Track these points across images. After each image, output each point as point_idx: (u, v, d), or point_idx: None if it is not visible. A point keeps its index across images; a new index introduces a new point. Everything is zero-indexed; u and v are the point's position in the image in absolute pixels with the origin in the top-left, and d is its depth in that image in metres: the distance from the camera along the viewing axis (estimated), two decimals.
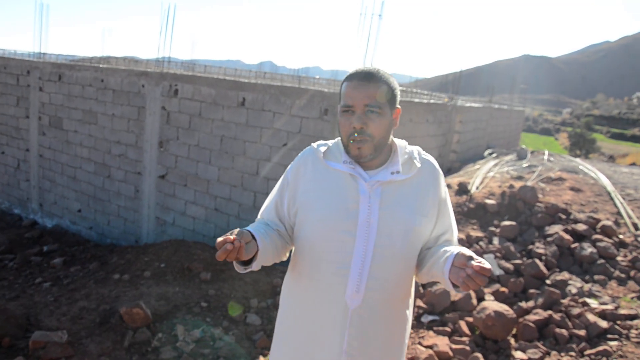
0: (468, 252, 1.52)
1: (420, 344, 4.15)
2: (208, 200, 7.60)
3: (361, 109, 1.61)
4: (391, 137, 1.74)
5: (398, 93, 1.70)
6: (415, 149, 1.79)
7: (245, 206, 7.19)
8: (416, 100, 8.94)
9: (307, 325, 1.74)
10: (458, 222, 6.42)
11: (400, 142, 1.78)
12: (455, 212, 6.55)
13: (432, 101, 9.80)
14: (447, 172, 10.00)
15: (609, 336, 4.01)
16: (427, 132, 9.09)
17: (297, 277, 1.79)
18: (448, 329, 4.36)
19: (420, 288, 4.83)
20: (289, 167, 1.82)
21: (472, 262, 1.43)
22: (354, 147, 1.64)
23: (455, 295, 4.77)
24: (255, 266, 1.62)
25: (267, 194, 6.88)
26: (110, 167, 8.83)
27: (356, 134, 1.62)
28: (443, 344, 4.08)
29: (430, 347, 4.08)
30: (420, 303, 4.73)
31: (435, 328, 4.41)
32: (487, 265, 1.40)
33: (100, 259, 7.39)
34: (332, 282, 1.67)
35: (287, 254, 1.85)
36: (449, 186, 7.57)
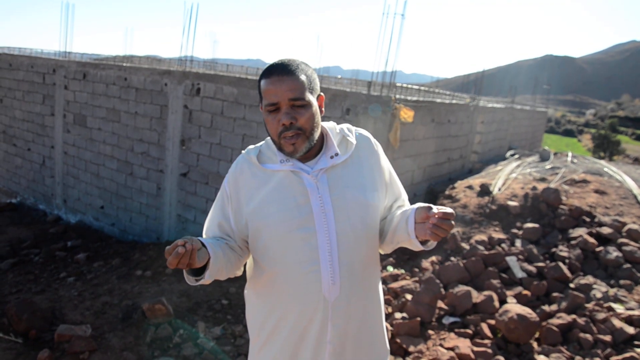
0: (424, 204, 1.52)
1: (441, 345, 4.12)
2: None
3: (286, 104, 1.56)
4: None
5: (316, 78, 1.66)
6: (345, 126, 1.75)
7: None
8: (438, 100, 8.87)
9: (287, 330, 1.69)
10: (480, 223, 6.36)
11: (329, 124, 1.74)
12: (477, 214, 6.51)
13: (453, 101, 9.72)
14: (469, 172, 9.91)
15: (636, 342, 3.93)
16: (448, 133, 9.02)
17: (266, 289, 1.74)
18: (470, 331, 4.32)
19: (442, 290, 4.79)
20: (224, 180, 1.76)
21: (433, 210, 1.44)
22: (288, 143, 1.59)
23: (477, 297, 4.73)
24: (207, 275, 1.55)
25: None
26: (132, 164, 8.94)
27: (286, 130, 1.57)
28: (465, 346, 4.04)
29: (451, 349, 4.04)
30: (441, 304, 4.70)
31: (456, 330, 4.37)
32: (448, 210, 1.41)
33: (122, 255, 7.49)
34: (306, 282, 1.63)
35: (242, 268, 1.80)
36: (470, 187, 7.50)
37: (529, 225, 6.02)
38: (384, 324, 1.87)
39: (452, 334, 4.32)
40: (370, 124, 6.41)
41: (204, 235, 1.80)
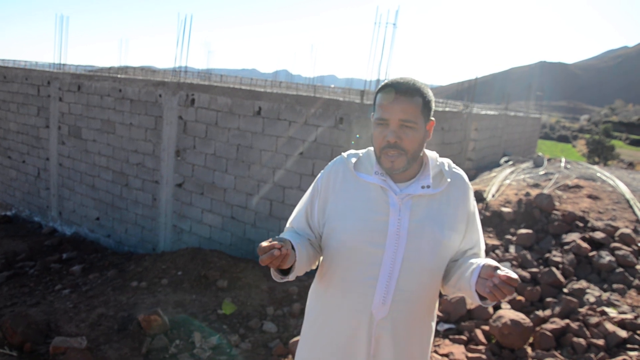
0: (494, 263, 1.52)
1: (436, 352, 4.14)
2: (224, 209, 7.67)
3: (396, 123, 1.60)
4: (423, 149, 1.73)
5: (433, 105, 1.69)
6: (446, 162, 1.78)
7: (261, 214, 7.24)
8: None
9: (333, 334, 1.75)
10: None
11: (431, 154, 1.76)
12: None
13: (447, 109, 9.78)
14: None
15: (629, 346, 3.96)
16: (442, 140, 9.08)
17: (324, 286, 1.79)
18: (464, 338, 4.34)
19: None
20: (319, 175, 1.82)
21: (499, 272, 1.44)
22: (387, 160, 1.63)
23: (472, 304, 4.75)
24: (292, 277, 1.64)
25: (282, 202, 6.92)
26: (128, 175, 8.95)
27: (389, 148, 1.62)
28: (459, 352, 4.07)
29: (446, 355, 4.06)
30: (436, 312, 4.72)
31: (451, 336, 4.39)
32: (513, 275, 1.41)
33: (118, 267, 7.48)
34: (359, 292, 1.67)
35: (317, 263, 1.85)
36: None
37: (523, 231, 6.06)
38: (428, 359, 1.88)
39: (447, 341, 4.33)
40: (364, 133, 6.45)
41: (288, 224, 1.88)
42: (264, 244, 1.44)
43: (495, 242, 6.02)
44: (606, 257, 5.32)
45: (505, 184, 8.18)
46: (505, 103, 17.60)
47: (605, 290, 4.94)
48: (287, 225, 1.90)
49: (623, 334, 4.06)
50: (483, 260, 1.59)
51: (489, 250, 5.79)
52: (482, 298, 1.58)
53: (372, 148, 1.75)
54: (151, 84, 8.45)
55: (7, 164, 11.72)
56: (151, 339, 4.61)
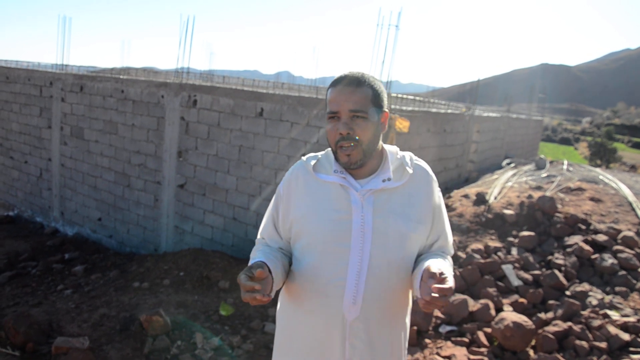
0: (435, 266, 1.48)
1: (438, 354, 4.13)
2: (226, 210, 7.67)
3: (346, 114, 1.59)
4: (381, 143, 1.72)
5: (385, 96, 1.68)
6: (407, 155, 1.76)
7: (263, 216, 7.23)
8: (433, 110, 8.94)
9: (305, 340, 1.72)
10: (476, 232, 6.39)
11: (390, 148, 1.75)
12: (473, 223, 6.54)
13: (449, 111, 9.78)
14: (465, 182, 9.95)
15: (632, 349, 3.95)
16: (444, 142, 9.08)
17: (293, 291, 1.76)
18: (466, 340, 4.33)
19: None
20: (281, 182, 1.81)
21: (432, 280, 1.42)
22: (343, 154, 1.61)
23: (474, 306, 4.75)
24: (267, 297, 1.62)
25: None
26: (130, 176, 8.96)
27: (343, 140, 1.60)
28: (461, 354, 4.06)
29: (448, 357, 4.06)
30: (438, 313, 4.71)
31: (453, 338, 4.39)
32: (446, 286, 1.37)
33: (120, 267, 7.49)
34: (329, 294, 1.64)
35: None
36: (466, 196, 7.54)
37: (525, 233, 6.05)
38: (405, 356, 1.86)
39: (449, 343, 4.33)
40: None
41: (259, 235, 1.87)
42: (244, 280, 1.41)
43: (497, 244, 6.01)
44: (609, 260, 5.30)
45: (507, 186, 8.17)
46: (508, 105, 17.59)
47: (607, 293, 4.93)
48: (258, 236, 1.88)
49: (626, 337, 4.05)
50: (429, 262, 1.56)
51: (491, 253, 5.78)
52: None
53: (330, 149, 1.72)
54: (153, 85, 8.47)
55: (10, 164, 11.74)
56: (153, 339, 4.61)
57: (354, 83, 1.61)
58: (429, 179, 1.75)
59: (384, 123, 1.69)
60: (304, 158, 1.78)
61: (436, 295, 1.35)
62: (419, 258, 1.71)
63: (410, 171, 1.70)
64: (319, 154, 1.79)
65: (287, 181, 1.77)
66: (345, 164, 1.64)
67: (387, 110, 1.71)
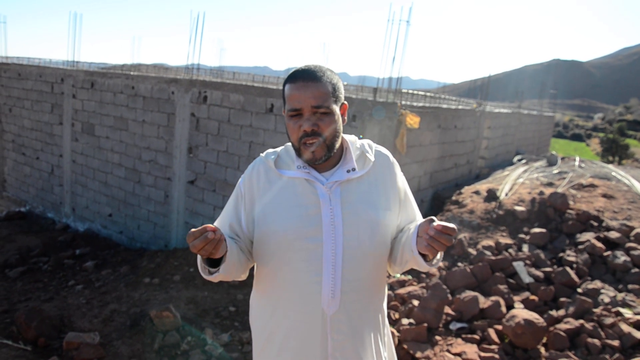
0: (428, 218, 1.49)
1: (448, 351, 4.11)
2: None
3: (309, 110, 1.56)
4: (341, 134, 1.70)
5: (342, 87, 1.67)
6: (366, 143, 1.75)
7: None
8: (444, 106, 8.88)
9: (286, 340, 1.68)
10: (487, 229, 6.35)
11: (350, 138, 1.74)
12: (484, 219, 6.50)
13: (460, 107, 9.72)
14: (476, 178, 9.89)
15: None
16: (455, 138, 9.02)
17: (267, 293, 1.73)
18: (477, 337, 4.31)
19: (449, 295, 4.79)
20: (240, 180, 1.75)
21: (434, 224, 1.41)
22: (307, 150, 1.59)
23: (484, 303, 4.72)
24: (222, 270, 1.53)
25: None
26: (140, 172, 9.00)
27: (307, 137, 1.57)
28: (472, 351, 4.03)
29: (458, 354, 4.04)
30: (448, 310, 4.69)
31: (463, 336, 4.36)
32: (450, 225, 1.38)
33: (130, 263, 7.53)
34: (306, 292, 1.62)
35: (247, 273, 1.77)
36: (477, 192, 7.49)
37: (536, 230, 6.01)
38: (390, 340, 1.85)
39: (459, 340, 4.31)
40: (376, 130, 6.43)
41: None
42: (194, 229, 1.36)
43: (509, 241, 5.97)
44: (621, 257, 5.25)
45: (518, 182, 8.11)
46: (519, 101, 17.46)
47: (620, 291, 4.88)
48: None
49: (638, 335, 4.01)
50: (418, 221, 1.56)
51: (502, 249, 5.74)
52: (425, 259, 1.55)
53: (289, 144, 1.70)
54: (164, 81, 8.49)
55: (21, 160, 11.84)
56: (163, 335, 4.63)
57: (313, 78, 1.58)
58: (391, 165, 1.76)
59: (343, 115, 1.68)
60: (262, 154, 1.75)
61: (441, 231, 1.37)
62: (397, 239, 1.71)
63: (372, 159, 1.70)
64: (278, 149, 1.76)
65: (247, 178, 1.72)
66: (309, 160, 1.62)
67: (345, 102, 1.70)
